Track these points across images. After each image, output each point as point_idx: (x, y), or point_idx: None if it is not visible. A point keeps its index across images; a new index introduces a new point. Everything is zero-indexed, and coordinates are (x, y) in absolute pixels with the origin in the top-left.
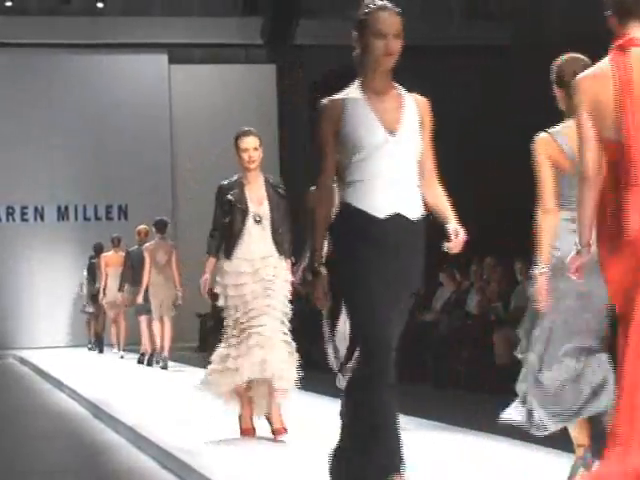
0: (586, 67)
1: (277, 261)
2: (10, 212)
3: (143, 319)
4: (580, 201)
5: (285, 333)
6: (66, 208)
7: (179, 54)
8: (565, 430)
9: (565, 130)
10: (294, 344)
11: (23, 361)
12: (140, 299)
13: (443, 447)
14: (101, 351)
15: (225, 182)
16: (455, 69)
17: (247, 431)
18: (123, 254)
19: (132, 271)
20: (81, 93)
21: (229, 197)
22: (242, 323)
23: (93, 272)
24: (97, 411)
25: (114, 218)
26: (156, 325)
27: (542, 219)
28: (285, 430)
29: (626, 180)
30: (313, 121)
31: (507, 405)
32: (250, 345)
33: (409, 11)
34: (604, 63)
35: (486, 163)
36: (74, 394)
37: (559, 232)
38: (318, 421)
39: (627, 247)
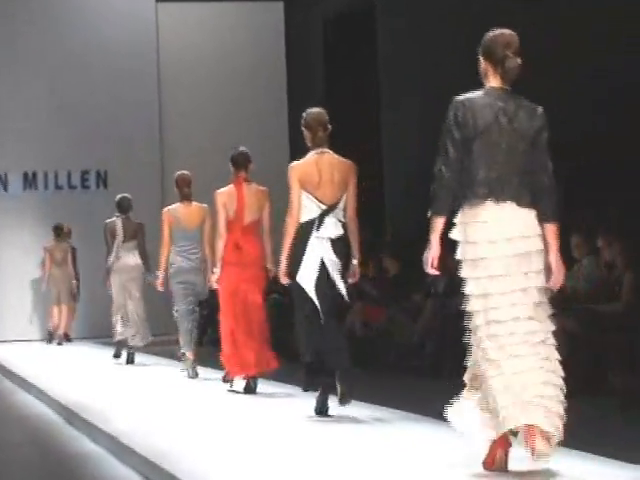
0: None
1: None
2: None
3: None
4: (216, 247)
5: None
6: (34, 175)
7: None
8: None
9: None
10: None
11: None
12: (43, 289)
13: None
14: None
15: None
16: None
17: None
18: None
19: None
20: (50, 39)
21: None
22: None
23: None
24: (71, 416)
25: (91, 186)
26: (55, 310)
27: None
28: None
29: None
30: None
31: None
32: None
33: None
34: (230, 186)
35: None
36: (43, 396)
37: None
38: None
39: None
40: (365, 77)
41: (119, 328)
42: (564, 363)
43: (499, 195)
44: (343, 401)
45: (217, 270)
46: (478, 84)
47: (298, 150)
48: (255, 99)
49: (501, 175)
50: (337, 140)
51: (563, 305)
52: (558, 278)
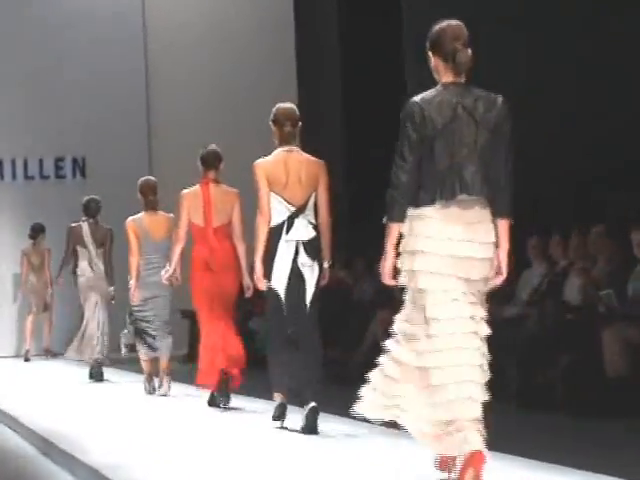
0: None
1: None
2: None
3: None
4: (172, 251)
5: None
6: (0, 163)
7: None
8: None
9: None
10: None
11: None
12: (16, 298)
13: None
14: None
15: None
16: None
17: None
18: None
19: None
20: (22, 10)
21: None
22: None
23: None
24: (47, 447)
25: (66, 175)
26: (28, 322)
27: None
28: None
29: (196, 238)
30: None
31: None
32: None
33: None
34: (196, 187)
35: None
36: (15, 424)
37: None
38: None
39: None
40: (387, 44)
41: (82, 346)
42: (626, 377)
43: (465, 192)
44: (306, 431)
45: (169, 269)
46: (503, 50)
47: (309, 130)
48: (259, 67)
49: (467, 171)
50: (353, 119)
51: (624, 312)
52: (500, 278)
